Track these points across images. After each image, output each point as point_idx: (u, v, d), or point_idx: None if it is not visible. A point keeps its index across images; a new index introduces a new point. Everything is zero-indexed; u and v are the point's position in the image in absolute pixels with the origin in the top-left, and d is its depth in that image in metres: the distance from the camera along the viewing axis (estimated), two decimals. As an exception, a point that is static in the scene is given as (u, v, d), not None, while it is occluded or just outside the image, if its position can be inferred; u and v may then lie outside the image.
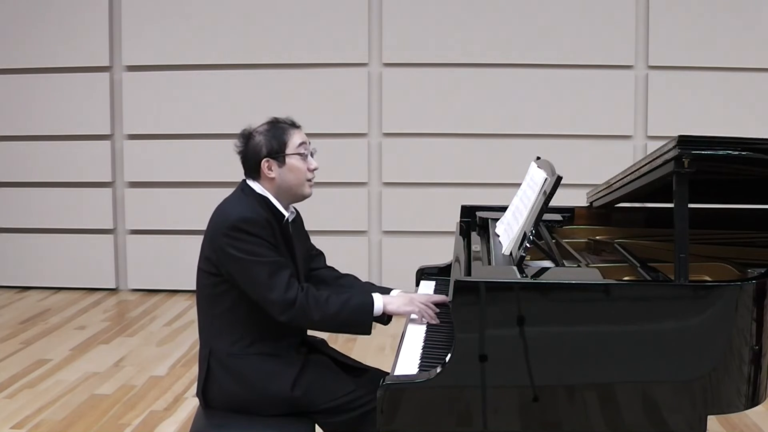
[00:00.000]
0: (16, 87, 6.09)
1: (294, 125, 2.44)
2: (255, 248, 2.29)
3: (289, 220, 2.47)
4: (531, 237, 2.30)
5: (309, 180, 2.43)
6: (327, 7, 5.86)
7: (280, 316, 2.28)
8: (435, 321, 2.44)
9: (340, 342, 2.45)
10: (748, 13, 5.69)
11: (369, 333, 2.36)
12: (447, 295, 2.41)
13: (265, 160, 2.38)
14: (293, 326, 2.38)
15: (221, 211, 2.40)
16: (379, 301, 2.36)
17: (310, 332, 2.54)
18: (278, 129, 2.41)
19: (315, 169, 2.44)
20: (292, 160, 2.39)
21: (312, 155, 2.45)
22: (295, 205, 2.52)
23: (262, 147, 2.38)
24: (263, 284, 2.27)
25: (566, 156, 5.33)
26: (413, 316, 2.46)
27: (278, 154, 2.38)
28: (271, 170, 2.38)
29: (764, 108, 5.68)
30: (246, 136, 2.42)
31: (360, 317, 2.33)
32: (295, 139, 2.40)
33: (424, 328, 2.42)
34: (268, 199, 2.40)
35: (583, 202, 3.29)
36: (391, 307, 2.39)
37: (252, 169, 2.41)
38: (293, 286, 2.29)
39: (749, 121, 5.56)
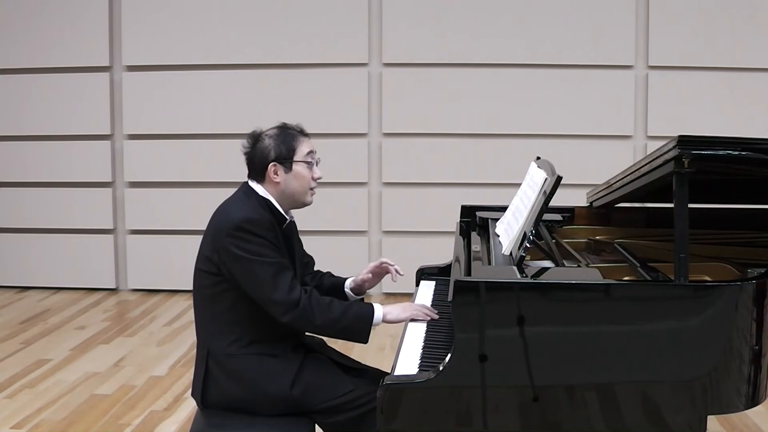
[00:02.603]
0: (16, 87, 6.09)
1: (303, 133, 2.46)
2: (259, 249, 2.30)
3: (292, 220, 2.49)
4: (531, 237, 2.30)
5: (312, 188, 2.45)
6: (327, 7, 5.86)
7: (282, 317, 2.29)
8: (435, 316, 2.47)
9: (340, 342, 2.44)
10: (748, 13, 5.69)
11: (366, 341, 2.38)
12: (447, 295, 2.42)
13: (272, 164, 2.39)
14: (293, 328, 2.39)
15: (224, 211, 2.40)
16: (379, 311, 2.39)
17: (308, 333, 2.54)
18: (288, 135, 2.43)
19: (319, 179, 2.46)
20: (298, 168, 2.41)
21: (317, 164, 2.46)
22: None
23: (270, 151, 2.39)
24: (267, 284, 2.28)
25: (566, 156, 5.34)
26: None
27: (286, 159, 2.39)
28: (277, 175, 2.39)
29: (764, 108, 5.68)
30: (255, 138, 2.44)
31: (360, 325, 2.35)
32: (303, 147, 2.42)
33: (424, 328, 2.43)
34: (270, 202, 2.41)
35: (583, 202, 3.30)
36: (391, 317, 2.42)
37: (257, 171, 2.42)
38: (296, 287, 2.31)
39: (749, 121, 5.56)
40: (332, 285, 2.64)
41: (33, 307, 5.71)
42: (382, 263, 2.62)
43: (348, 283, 2.65)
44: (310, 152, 2.44)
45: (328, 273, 2.71)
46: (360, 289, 2.64)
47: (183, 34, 5.93)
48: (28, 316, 5.45)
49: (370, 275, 2.64)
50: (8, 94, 6.10)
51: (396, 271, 2.60)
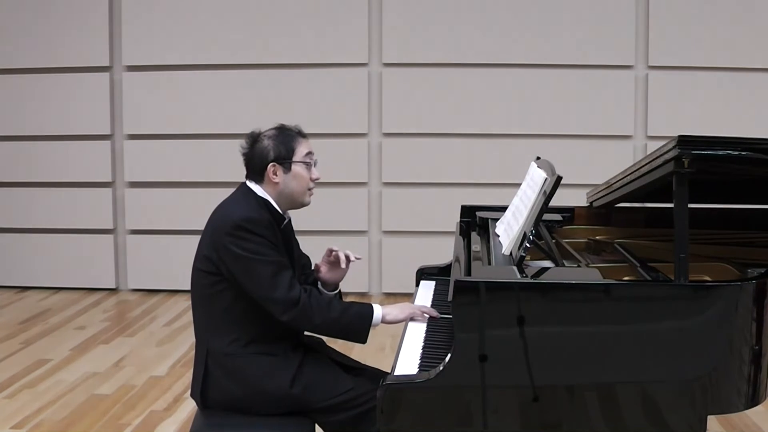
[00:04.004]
0: (16, 87, 6.09)
1: (301, 134, 2.48)
2: (259, 248, 2.30)
3: (289, 220, 2.49)
4: (531, 237, 2.30)
5: (310, 189, 2.46)
6: (327, 7, 5.86)
7: (282, 315, 2.29)
8: (435, 314, 2.49)
9: (340, 342, 2.45)
10: (748, 13, 5.70)
11: (365, 342, 2.39)
12: (447, 295, 2.42)
13: (271, 164, 2.40)
14: (292, 327, 2.39)
15: (223, 211, 2.41)
16: (378, 311, 2.40)
17: (307, 333, 2.55)
18: (287, 136, 2.44)
19: (317, 179, 2.48)
20: (297, 168, 2.42)
21: (315, 165, 2.47)
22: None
23: (269, 151, 2.40)
24: (267, 283, 2.29)
25: (566, 156, 5.33)
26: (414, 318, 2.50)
27: (285, 160, 2.40)
28: (276, 175, 2.40)
29: (764, 108, 5.68)
30: (253, 139, 2.45)
31: (359, 325, 2.36)
32: (302, 148, 2.44)
33: (424, 328, 2.43)
34: (269, 202, 2.42)
35: (583, 202, 3.30)
36: (390, 317, 2.43)
37: (256, 171, 2.43)
38: (296, 286, 2.32)
39: (749, 121, 5.56)
40: (312, 282, 2.63)
41: (33, 307, 5.71)
42: (332, 252, 2.57)
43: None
44: (309, 153, 2.45)
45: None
46: (326, 285, 2.61)
47: (183, 34, 5.93)
48: (28, 316, 5.45)
49: (320, 266, 2.60)
50: (8, 94, 6.10)
51: (346, 256, 2.55)
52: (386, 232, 6.02)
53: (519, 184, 2.84)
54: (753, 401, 2.07)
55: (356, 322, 2.36)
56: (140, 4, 5.96)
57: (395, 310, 2.44)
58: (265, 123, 2.53)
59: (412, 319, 2.49)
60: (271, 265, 2.30)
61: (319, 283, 2.61)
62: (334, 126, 5.84)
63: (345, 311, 2.35)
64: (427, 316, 2.49)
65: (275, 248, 2.35)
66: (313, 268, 2.64)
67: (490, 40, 5.80)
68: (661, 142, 2.25)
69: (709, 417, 2.03)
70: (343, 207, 5.94)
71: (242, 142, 2.46)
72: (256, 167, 2.43)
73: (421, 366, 2.16)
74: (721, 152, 2.15)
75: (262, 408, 2.34)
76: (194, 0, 5.93)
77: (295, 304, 2.28)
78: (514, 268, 2.21)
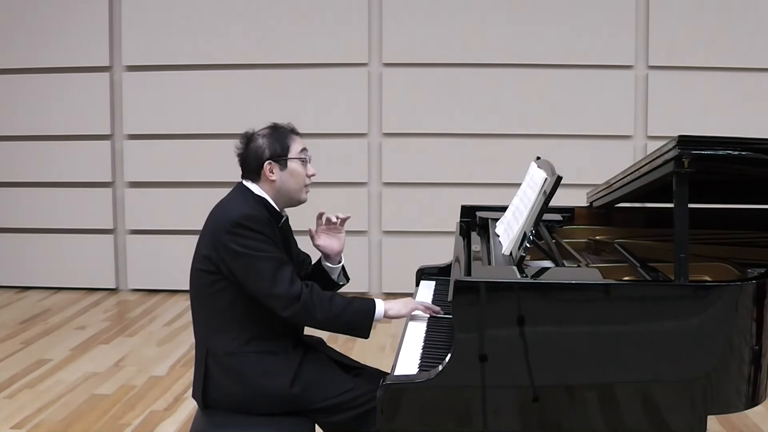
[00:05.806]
0: (16, 87, 6.09)
1: (294, 131, 2.49)
2: (258, 244, 2.31)
3: (287, 218, 2.51)
4: (531, 237, 2.30)
5: (306, 186, 2.48)
6: (327, 7, 5.86)
7: (283, 311, 2.30)
8: (436, 308, 2.51)
9: (340, 341, 2.46)
10: (748, 13, 5.70)
11: (367, 337, 2.40)
12: (447, 295, 2.42)
13: (267, 162, 2.41)
14: (293, 324, 2.40)
15: (221, 210, 2.42)
16: (380, 306, 2.41)
17: (307, 331, 2.55)
18: (281, 133, 2.46)
19: (312, 176, 2.49)
20: (293, 165, 2.43)
21: (309, 161, 2.49)
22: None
23: (265, 149, 2.41)
24: (268, 279, 2.29)
25: (566, 156, 5.33)
26: (416, 313, 2.51)
27: (281, 157, 2.42)
28: (273, 173, 2.42)
29: (764, 108, 5.68)
30: (248, 138, 2.46)
31: (361, 320, 2.37)
32: (296, 145, 2.45)
33: (424, 328, 2.43)
34: (266, 201, 2.43)
35: (583, 202, 3.30)
36: (392, 312, 2.44)
37: (253, 170, 2.44)
38: (297, 281, 2.33)
39: (749, 121, 5.56)
40: (315, 269, 2.64)
41: (33, 307, 5.71)
42: (321, 214, 2.59)
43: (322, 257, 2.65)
44: (303, 149, 2.47)
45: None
46: (330, 258, 2.61)
47: (183, 34, 5.93)
48: (28, 316, 5.45)
49: (316, 235, 2.60)
50: (8, 94, 6.10)
51: (336, 216, 2.58)
52: (386, 232, 6.02)
53: (519, 184, 2.84)
54: (753, 401, 2.07)
55: (358, 317, 2.36)
56: (140, 4, 5.96)
57: (397, 305, 2.46)
58: (264, 123, 2.54)
59: (413, 316, 2.50)
60: (271, 261, 2.31)
61: (322, 258, 2.61)
62: (334, 126, 5.84)
63: (347, 306, 2.35)
64: (428, 312, 2.50)
65: (275, 245, 2.36)
66: (309, 235, 2.62)
67: (490, 40, 5.80)
68: (661, 142, 2.25)
69: (709, 417, 2.03)
70: (343, 207, 5.88)
71: (236, 142, 2.48)
72: (251, 166, 2.44)
73: (421, 366, 2.16)
74: (721, 152, 2.15)
75: (262, 408, 2.35)
76: (194, 0, 5.93)
77: (296, 300, 2.29)
78: (514, 268, 2.22)
